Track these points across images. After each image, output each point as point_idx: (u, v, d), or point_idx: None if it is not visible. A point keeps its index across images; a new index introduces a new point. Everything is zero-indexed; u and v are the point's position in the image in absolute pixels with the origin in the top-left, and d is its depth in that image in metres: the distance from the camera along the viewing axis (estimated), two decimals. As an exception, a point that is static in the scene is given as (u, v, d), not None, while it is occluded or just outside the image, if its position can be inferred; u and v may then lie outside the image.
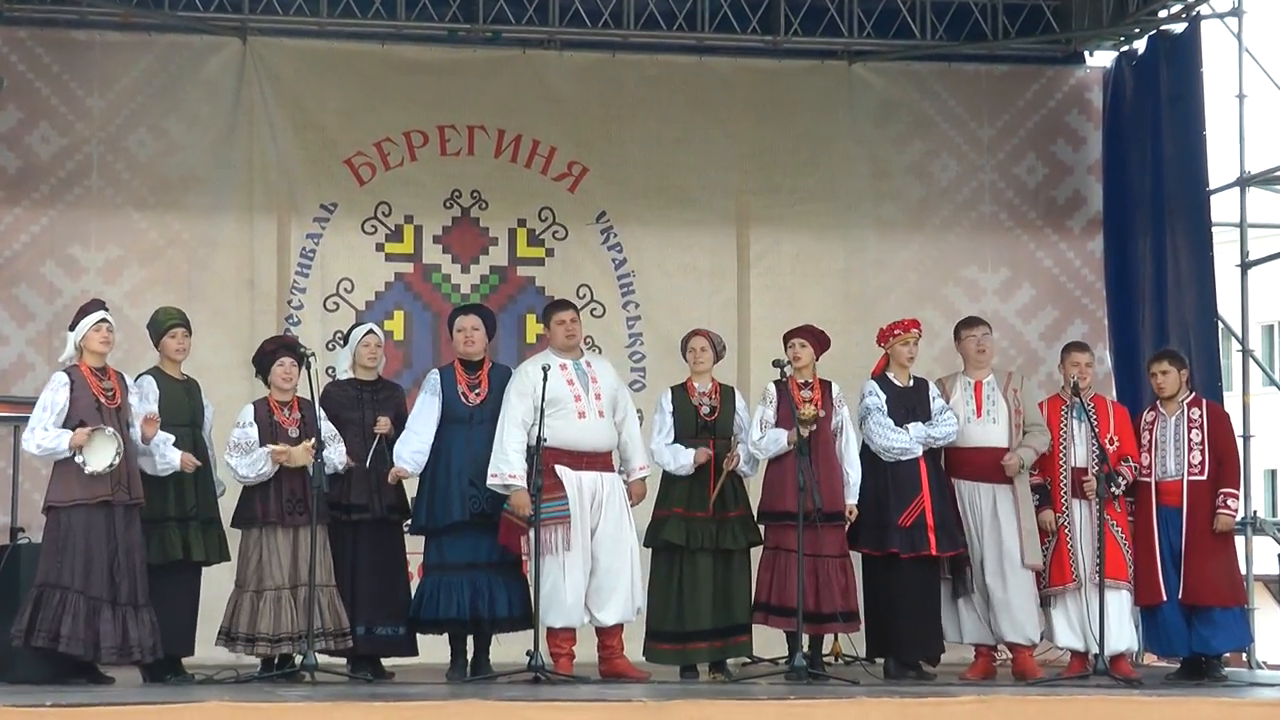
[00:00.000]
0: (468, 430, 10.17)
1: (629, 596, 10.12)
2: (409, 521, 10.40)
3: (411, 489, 10.42)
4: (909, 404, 10.46)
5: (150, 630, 9.64)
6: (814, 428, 10.11)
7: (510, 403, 10.03)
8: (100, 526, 9.54)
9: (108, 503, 9.55)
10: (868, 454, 10.47)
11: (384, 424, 10.24)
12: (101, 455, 9.44)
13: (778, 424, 10.26)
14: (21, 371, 12.18)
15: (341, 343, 10.86)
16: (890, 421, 10.38)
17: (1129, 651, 10.66)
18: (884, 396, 10.46)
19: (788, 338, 10.53)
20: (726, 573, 10.37)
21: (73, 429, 9.48)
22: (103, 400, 9.62)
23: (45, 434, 9.50)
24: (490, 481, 9.97)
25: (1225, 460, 10.55)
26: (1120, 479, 10.37)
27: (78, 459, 9.44)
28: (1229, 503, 10.45)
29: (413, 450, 10.14)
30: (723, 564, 10.38)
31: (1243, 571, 11.08)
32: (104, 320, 9.72)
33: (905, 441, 10.35)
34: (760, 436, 10.30)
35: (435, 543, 10.20)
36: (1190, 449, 10.49)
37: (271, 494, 9.91)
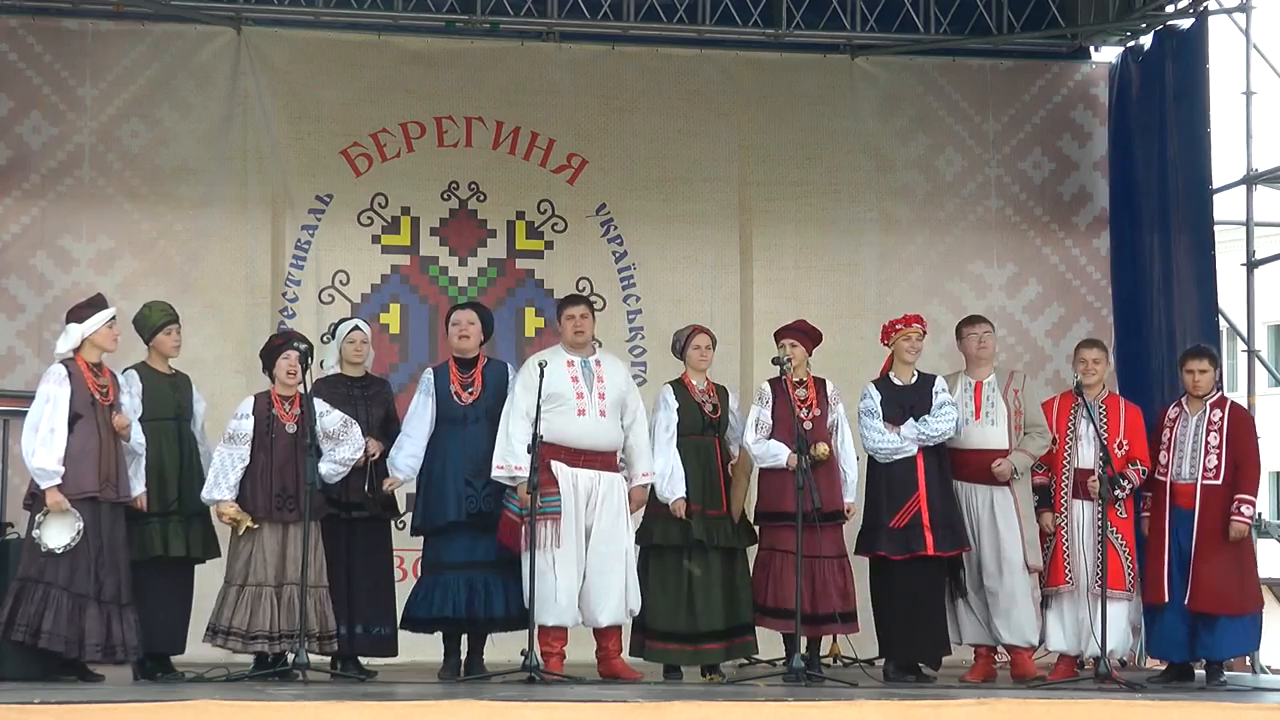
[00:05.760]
0: (462, 430, 10.09)
1: (622, 598, 10.02)
2: (400, 520, 10.30)
3: (409, 486, 10.34)
4: (907, 402, 10.35)
5: (134, 630, 9.58)
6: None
7: (515, 395, 9.97)
8: (87, 522, 9.45)
9: (94, 499, 9.49)
10: (864, 455, 10.37)
11: (374, 446, 10.14)
12: (57, 534, 9.41)
13: (775, 425, 10.16)
14: (11, 364, 12.09)
15: (329, 337, 10.75)
16: (880, 424, 10.27)
17: (1114, 654, 10.49)
18: (879, 398, 10.36)
19: (778, 337, 10.45)
20: (731, 571, 10.28)
21: (70, 420, 9.46)
22: (97, 396, 9.60)
23: (47, 455, 9.41)
24: (496, 473, 9.89)
25: (1243, 465, 10.29)
26: (1126, 482, 10.25)
27: (35, 533, 9.42)
28: (1243, 510, 10.24)
29: (406, 456, 10.10)
30: (729, 563, 10.28)
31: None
32: (114, 318, 9.73)
33: (895, 441, 10.24)
34: (756, 441, 10.19)
35: (431, 543, 10.14)
36: (1206, 452, 10.31)
37: (259, 489, 9.79)
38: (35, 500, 9.55)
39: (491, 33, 12.95)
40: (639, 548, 10.23)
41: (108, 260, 12.33)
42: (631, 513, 10.12)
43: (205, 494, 9.78)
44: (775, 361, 10.27)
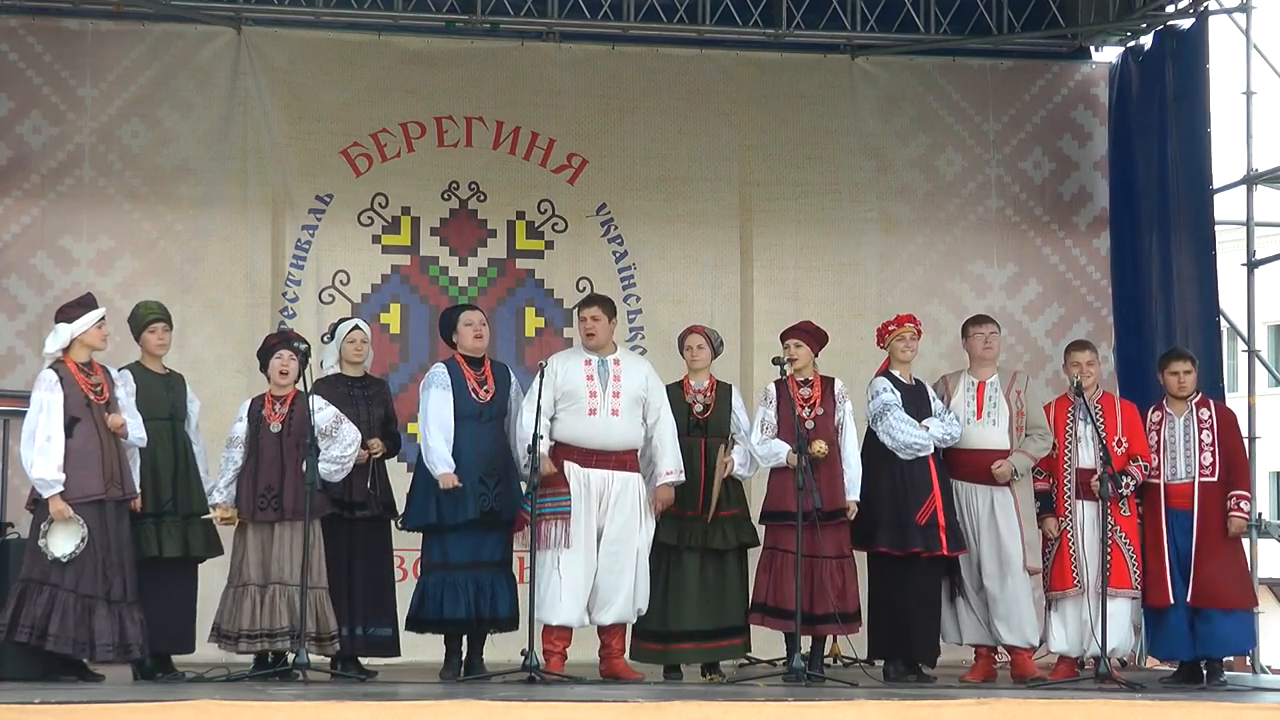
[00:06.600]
0: (477, 427, 10.07)
1: (630, 598, 10.02)
2: (399, 520, 10.30)
3: (403, 484, 10.31)
4: (916, 402, 10.35)
5: (141, 628, 9.58)
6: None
7: (533, 389, 9.97)
8: (92, 523, 9.45)
9: (100, 501, 9.49)
10: (877, 451, 10.33)
11: (376, 445, 10.12)
12: (63, 542, 9.42)
13: (779, 425, 10.17)
14: (11, 364, 12.09)
15: (329, 337, 10.74)
16: (909, 417, 10.25)
17: (1115, 653, 10.49)
18: (898, 393, 10.33)
19: (784, 337, 10.46)
20: (719, 573, 10.26)
21: (65, 423, 9.44)
22: (91, 396, 9.58)
23: (45, 464, 9.41)
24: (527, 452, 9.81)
25: (1235, 462, 10.42)
26: (1129, 479, 10.26)
27: (40, 541, 9.42)
28: (1241, 505, 10.34)
29: (451, 454, 9.97)
30: (714, 564, 10.26)
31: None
32: (104, 318, 9.70)
33: (924, 438, 10.25)
34: (760, 441, 10.19)
35: (439, 541, 10.09)
36: (1201, 450, 10.36)
37: (244, 489, 9.80)
38: (39, 507, 9.54)
39: (491, 33, 12.95)
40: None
41: (108, 260, 12.33)
42: (658, 512, 10.11)
43: (208, 500, 9.85)
44: (775, 361, 10.27)
